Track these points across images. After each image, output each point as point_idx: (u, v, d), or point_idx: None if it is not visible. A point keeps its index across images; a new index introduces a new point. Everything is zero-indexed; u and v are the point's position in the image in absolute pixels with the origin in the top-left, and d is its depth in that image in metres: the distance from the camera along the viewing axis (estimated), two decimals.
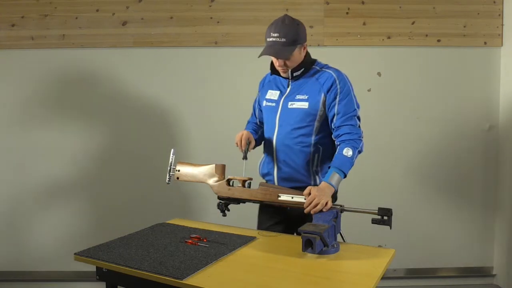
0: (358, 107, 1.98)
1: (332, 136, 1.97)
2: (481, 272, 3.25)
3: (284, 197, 1.83)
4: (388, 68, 3.14)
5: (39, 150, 3.14)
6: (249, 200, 1.92)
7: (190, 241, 1.77)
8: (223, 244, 1.74)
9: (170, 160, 2.09)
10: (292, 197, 1.82)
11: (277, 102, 2.04)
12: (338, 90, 1.94)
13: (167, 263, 1.54)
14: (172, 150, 2.10)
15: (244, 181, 1.93)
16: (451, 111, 3.16)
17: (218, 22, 3.11)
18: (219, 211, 1.98)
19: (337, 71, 2.00)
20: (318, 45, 3.09)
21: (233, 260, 1.61)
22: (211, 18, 3.11)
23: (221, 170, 2.00)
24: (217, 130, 3.16)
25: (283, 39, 1.90)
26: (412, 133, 3.16)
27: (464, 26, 3.12)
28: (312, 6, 3.09)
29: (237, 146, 2.03)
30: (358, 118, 1.97)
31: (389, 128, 3.16)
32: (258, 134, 2.17)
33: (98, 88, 3.14)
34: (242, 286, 1.40)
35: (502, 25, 3.12)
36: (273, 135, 2.03)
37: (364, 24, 3.11)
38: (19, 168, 3.16)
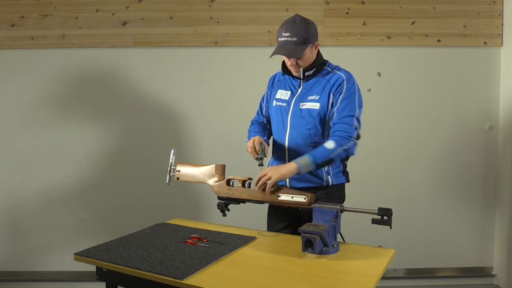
0: (360, 107, 1.96)
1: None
2: (481, 272, 3.25)
3: (284, 197, 1.83)
4: (388, 68, 3.14)
5: (40, 150, 3.14)
6: (249, 200, 1.92)
7: (190, 241, 1.77)
8: (223, 244, 1.74)
9: (170, 160, 2.09)
10: (292, 197, 1.82)
11: (288, 102, 2.04)
12: (344, 90, 1.95)
13: (167, 263, 1.53)
14: (172, 150, 2.10)
15: (243, 181, 1.93)
16: (451, 111, 3.16)
17: (218, 22, 3.11)
18: (219, 211, 1.98)
19: (347, 73, 2.01)
20: None
21: (233, 260, 1.61)
22: (211, 18, 3.11)
23: (221, 170, 2.00)
24: (217, 130, 3.16)
25: (295, 38, 1.91)
26: (412, 133, 3.16)
27: (464, 26, 3.12)
28: (312, 6, 3.09)
29: (251, 153, 1.97)
30: (357, 119, 1.95)
31: (389, 128, 3.16)
32: (266, 135, 2.13)
33: (98, 88, 3.14)
34: (242, 286, 1.39)
35: (502, 25, 3.12)
36: (285, 135, 2.03)
37: (364, 24, 3.11)
38: (20, 168, 3.16)
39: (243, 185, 1.93)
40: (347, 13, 3.11)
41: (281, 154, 2.05)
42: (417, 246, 3.18)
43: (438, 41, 3.12)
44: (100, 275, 1.64)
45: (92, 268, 1.65)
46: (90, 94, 3.14)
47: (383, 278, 1.54)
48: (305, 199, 1.77)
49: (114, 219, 3.16)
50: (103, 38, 3.11)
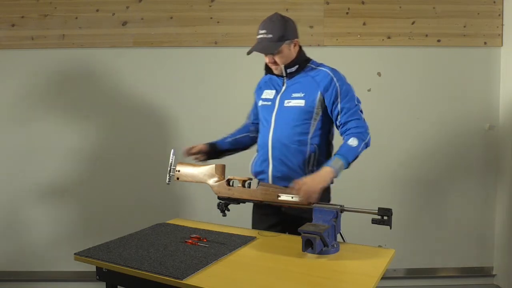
0: (359, 102, 1.99)
1: (339, 132, 1.97)
2: (481, 272, 3.25)
3: (284, 197, 1.83)
4: (388, 68, 3.14)
5: (39, 150, 3.15)
6: (249, 200, 1.92)
7: (190, 241, 1.77)
8: (223, 244, 1.74)
9: (170, 160, 2.09)
10: (292, 197, 1.82)
11: (273, 100, 2.04)
12: (338, 89, 1.94)
13: (167, 263, 1.53)
14: (172, 150, 2.11)
15: (244, 181, 1.93)
16: (451, 111, 3.16)
17: (218, 22, 3.11)
18: (219, 211, 1.98)
19: (333, 69, 2.00)
20: (318, 45, 3.09)
21: (233, 260, 1.60)
22: (211, 18, 3.11)
23: (221, 170, 2.00)
24: (217, 130, 3.14)
25: (270, 35, 1.93)
26: (412, 133, 3.16)
27: (464, 26, 3.12)
28: (312, 6, 3.09)
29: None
30: (361, 111, 1.98)
31: (389, 128, 3.16)
32: (234, 138, 2.24)
33: (98, 88, 3.14)
34: (242, 286, 1.39)
35: (502, 25, 3.12)
36: (269, 133, 2.02)
37: (364, 24, 3.11)
38: (19, 167, 3.16)
39: (243, 185, 1.93)
40: (347, 13, 3.11)
41: (266, 151, 2.04)
42: (417, 246, 3.19)
43: (438, 41, 3.12)
44: (100, 275, 1.64)
45: (92, 268, 1.65)
46: (90, 94, 3.14)
47: (383, 278, 1.54)
48: None
49: (114, 219, 3.16)
50: (103, 38, 3.11)
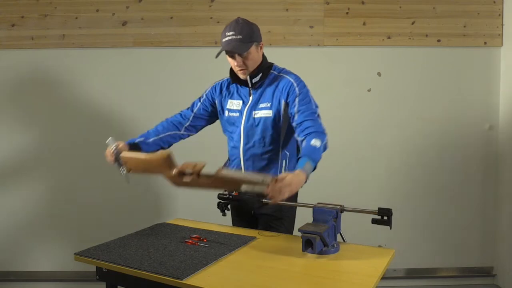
0: (317, 107, 1.94)
1: (296, 134, 1.89)
2: (481, 272, 3.25)
3: (246, 187, 1.66)
4: (388, 68, 3.14)
5: (40, 150, 3.14)
6: (210, 189, 1.77)
7: (190, 241, 1.77)
8: (223, 244, 1.74)
9: (112, 150, 1.91)
10: (256, 183, 1.64)
11: (240, 112, 2.03)
12: (297, 91, 1.93)
13: (167, 263, 1.53)
14: (109, 138, 1.91)
15: (199, 171, 1.68)
16: (451, 111, 3.16)
17: (218, 22, 3.11)
18: (219, 211, 1.98)
19: (295, 76, 2.00)
20: (318, 45, 3.08)
21: (233, 260, 1.61)
22: (211, 18, 3.11)
23: (170, 159, 1.72)
24: (218, 128, 3.14)
25: (239, 36, 1.91)
26: (412, 133, 3.16)
27: (464, 26, 3.12)
28: (312, 6, 3.09)
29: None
30: (319, 116, 1.90)
31: (389, 128, 3.16)
32: (159, 137, 2.17)
33: (98, 88, 3.14)
34: (242, 286, 1.39)
35: (502, 25, 3.12)
36: (239, 145, 2.03)
37: (364, 24, 3.11)
38: (21, 166, 3.16)
39: (198, 175, 1.69)
40: (347, 13, 3.10)
41: (238, 162, 2.04)
42: (417, 246, 3.19)
43: (438, 41, 3.12)
44: (100, 275, 1.64)
45: (92, 268, 1.65)
46: (90, 94, 3.14)
47: (383, 278, 1.54)
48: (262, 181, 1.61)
49: (114, 219, 3.16)
50: (103, 38, 3.11)
